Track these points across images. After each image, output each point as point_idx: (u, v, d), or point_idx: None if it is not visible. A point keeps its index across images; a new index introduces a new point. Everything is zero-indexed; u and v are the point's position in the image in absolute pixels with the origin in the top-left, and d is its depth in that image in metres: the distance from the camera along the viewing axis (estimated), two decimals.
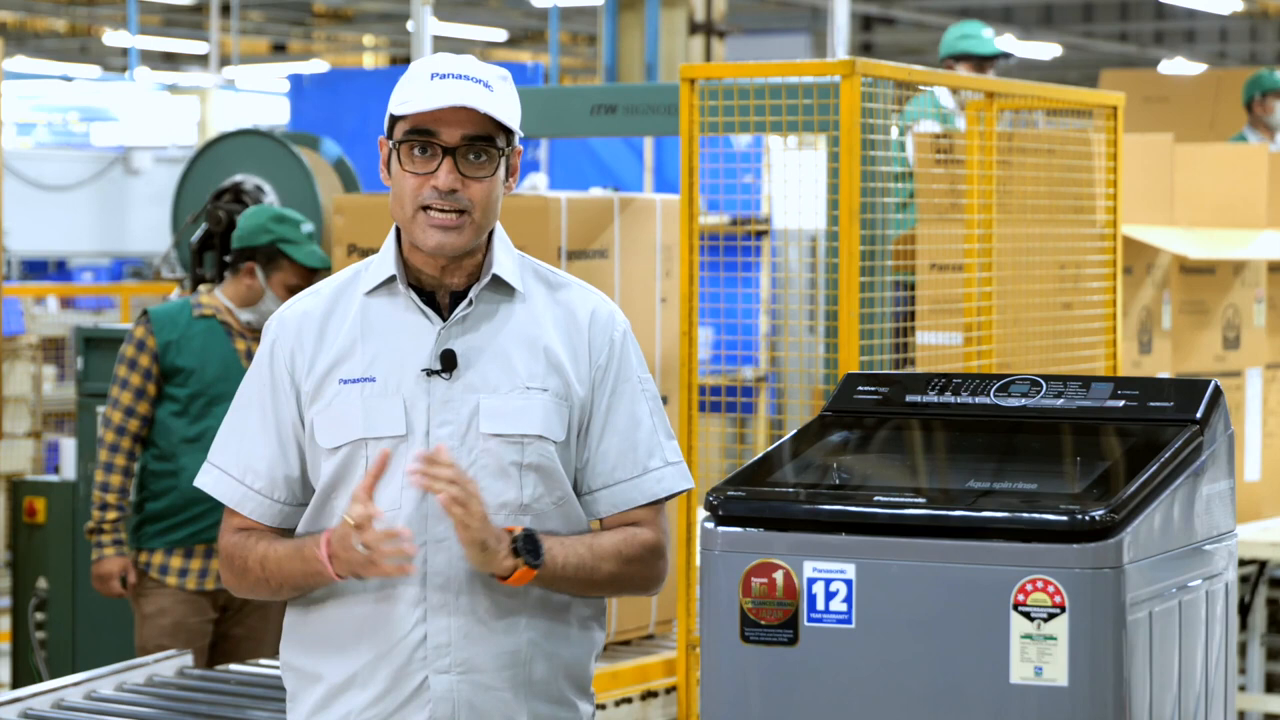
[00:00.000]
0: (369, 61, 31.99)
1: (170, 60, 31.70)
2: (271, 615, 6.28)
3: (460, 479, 3.22)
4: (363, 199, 6.03)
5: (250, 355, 6.18)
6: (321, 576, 3.30)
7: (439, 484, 3.21)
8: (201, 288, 6.38)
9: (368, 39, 31.74)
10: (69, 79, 24.80)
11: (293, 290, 6.17)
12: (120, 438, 6.12)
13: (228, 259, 6.33)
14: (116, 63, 30.69)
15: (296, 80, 13.49)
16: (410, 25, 10.56)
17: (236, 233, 6.24)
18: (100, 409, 6.50)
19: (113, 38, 29.09)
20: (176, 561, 6.12)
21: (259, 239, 6.18)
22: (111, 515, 6.11)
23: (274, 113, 21.64)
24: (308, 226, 6.21)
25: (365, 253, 5.59)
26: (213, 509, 6.05)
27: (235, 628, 6.24)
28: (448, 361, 3.33)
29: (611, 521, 3.42)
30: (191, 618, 6.15)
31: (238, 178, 7.29)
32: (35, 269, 20.27)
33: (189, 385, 6.11)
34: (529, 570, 3.26)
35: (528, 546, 3.27)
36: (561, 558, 3.30)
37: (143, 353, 6.13)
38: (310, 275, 6.14)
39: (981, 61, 8.74)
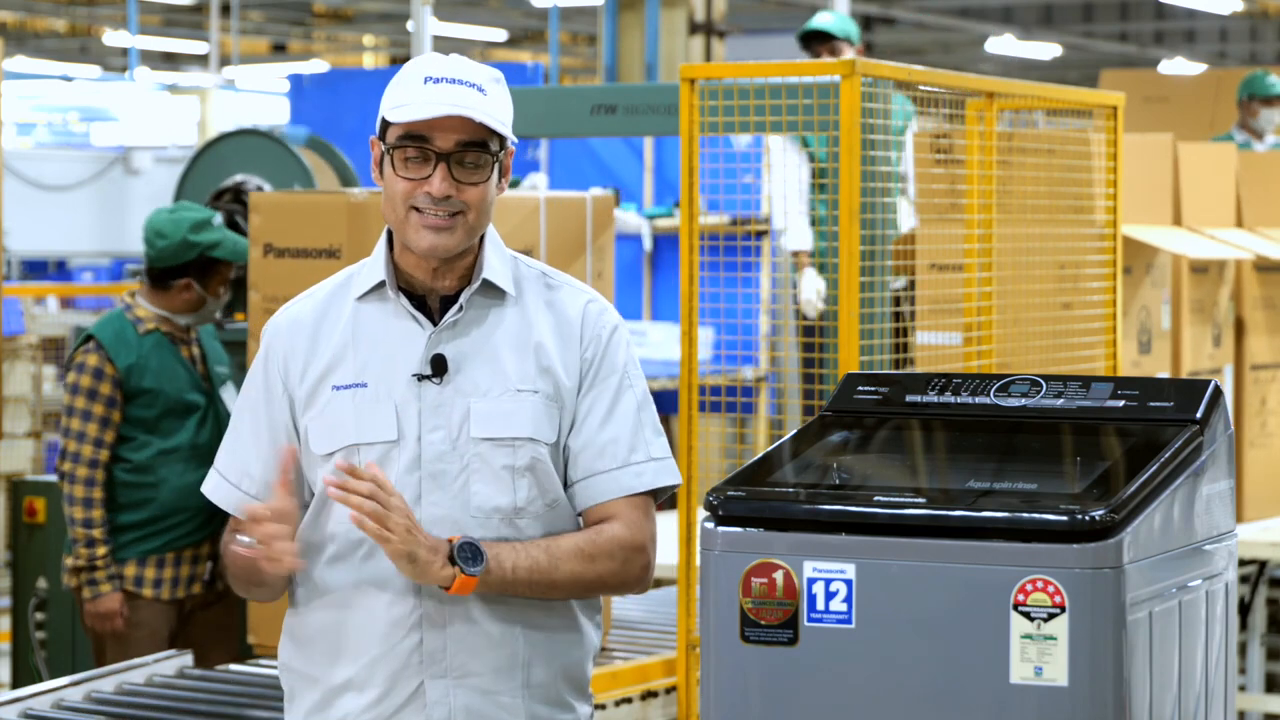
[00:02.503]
0: (369, 61, 32.00)
1: (170, 60, 31.71)
2: (234, 613, 6.24)
3: (378, 493, 3.17)
4: (279, 197, 5.87)
5: (193, 359, 6.14)
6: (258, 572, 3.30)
7: (354, 498, 3.17)
8: (126, 297, 6.19)
9: (368, 39, 31.75)
10: (69, 79, 24.82)
11: (231, 283, 6.17)
12: (94, 470, 5.98)
13: (147, 274, 6.15)
14: (116, 63, 30.70)
15: (296, 80, 13.49)
16: (410, 25, 10.56)
17: (155, 254, 6.08)
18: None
19: (113, 38, 29.11)
20: (150, 572, 6.04)
21: (186, 256, 6.07)
22: (102, 551, 5.97)
23: (274, 113, 21.64)
24: (217, 218, 6.14)
25: (282, 253, 5.53)
26: (191, 517, 6.03)
27: (201, 630, 6.18)
28: (438, 366, 3.32)
29: (590, 514, 3.38)
30: (164, 629, 6.09)
31: (238, 178, 7.29)
32: (35, 269, 20.26)
33: (156, 405, 6.03)
34: (468, 579, 3.23)
35: (464, 554, 3.22)
36: (510, 562, 3.26)
37: (102, 381, 5.99)
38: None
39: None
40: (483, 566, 3.23)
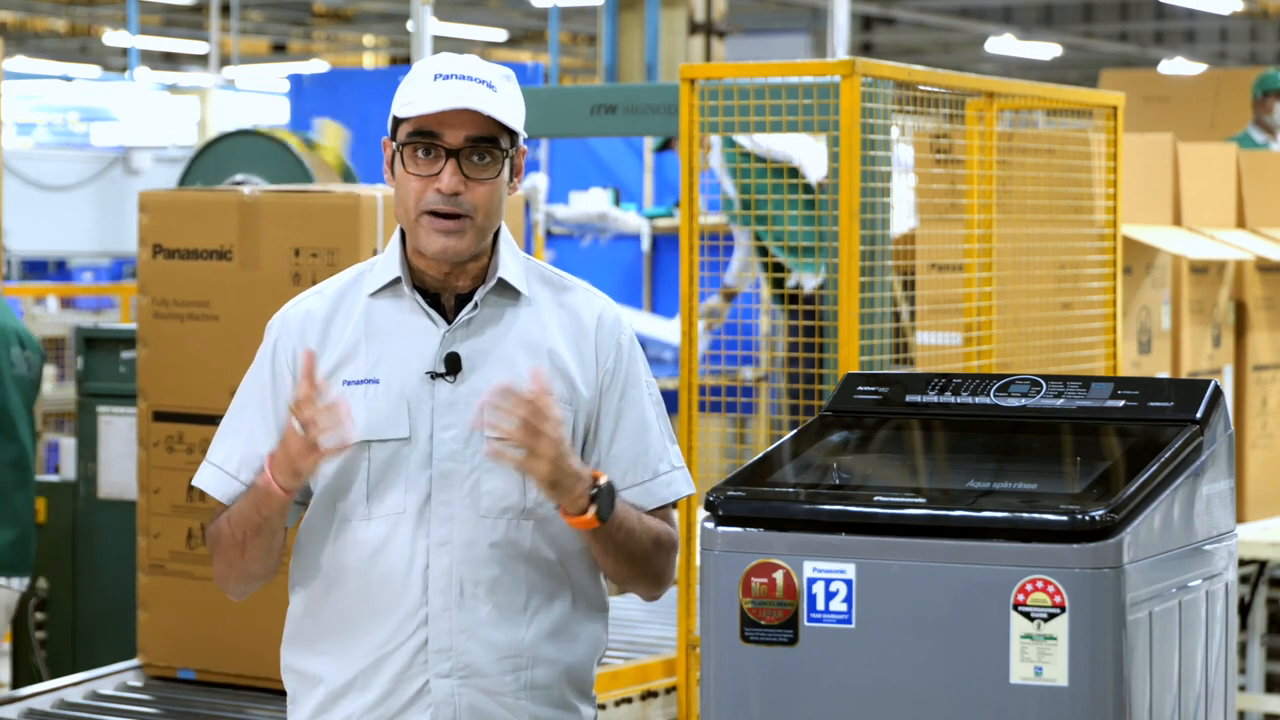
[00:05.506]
0: (369, 61, 32.01)
1: (170, 60, 31.73)
2: None
3: (534, 419, 3.16)
4: (170, 195, 5.57)
5: None
6: (269, 497, 3.26)
7: (506, 424, 3.16)
8: None
9: (368, 39, 31.76)
10: (69, 79, 24.83)
11: None
12: None
13: None
14: (116, 63, 30.72)
15: (296, 80, 13.49)
16: (410, 25, 10.56)
17: None
18: (101, 409, 6.47)
19: (113, 38, 29.12)
20: None
21: None
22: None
23: (274, 113, 21.64)
24: None
25: (171, 254, 5.32)
26: None
27: None
28: (452, 365, 3.32)
29: None
30: None
31: (238, 178, 7.28)
32: (35, 269, 20.26)
33: None
34: (595, 520, 3.24)
35: (606, 499, 3.24)
36: (621, 519, 3.29)
37: None
38: None
39: None
40: (612, 517, 3.26)
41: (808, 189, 7.07)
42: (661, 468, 3.41)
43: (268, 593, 5.05)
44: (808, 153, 7.07)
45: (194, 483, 3.45)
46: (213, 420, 5.13)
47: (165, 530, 5.26)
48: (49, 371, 11.92)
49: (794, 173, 7.10)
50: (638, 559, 3.36)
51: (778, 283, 7.34)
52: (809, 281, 7.12)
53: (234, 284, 5.17)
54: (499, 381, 3.22)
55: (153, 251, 5.33)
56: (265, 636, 5.04)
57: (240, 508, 3.33)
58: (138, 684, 5.36)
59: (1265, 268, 7.70)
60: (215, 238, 5.23)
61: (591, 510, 3.23)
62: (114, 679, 5.34)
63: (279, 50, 32.17)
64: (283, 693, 4.91)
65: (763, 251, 7.41)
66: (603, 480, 3.25)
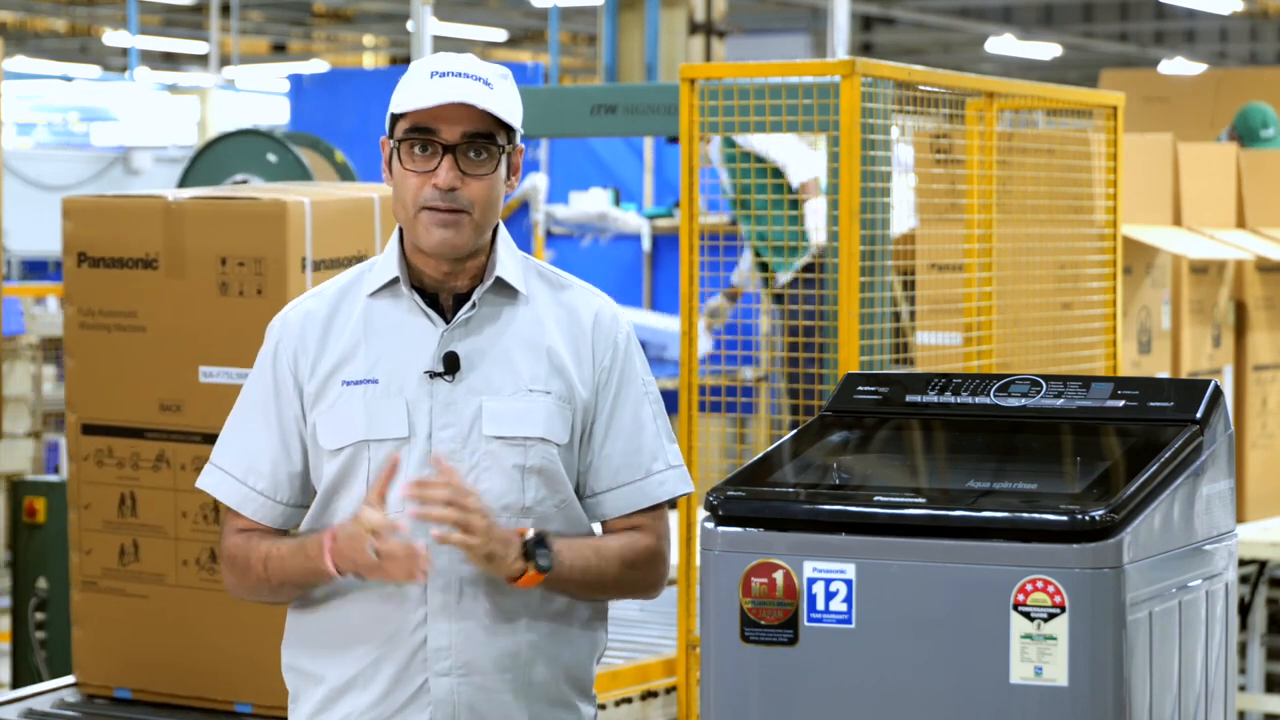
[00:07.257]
0: (369, 61, 32.02)
1: (170, 60, 31.73)
2: None
3: (457, 497, 3.20)
4: (93, 201, 5.23)
5: None
6: (322, 574, 3.29)
7: (436, 511, 3.19)
8: None
9: (368, 39, 31.77)
10: (69, 79, 24.84)
11: None
12: None
13: None
14: (116, 63, 30.72)
15: (296, 80, 13.50)
16: (410, 25, 10.57)
17: None
18: None
19: (113, 38, 29.13)
20: None
21: None
22: None
23: (274, 113, 21.66)
24: None
25: (96, 262, 5.06)
26: None
27: None
28: (450, 364, 3.32)
29: (614, 524, 3.42)
30: None
31: (238, 178, 7.29)
32: (35, 269, 20.25)
33: None
34: (537, 574, 3.26)
35: (538, 549, 3.26)
36: (569, 560, 3.30)
37: None
38: None
39: None
40: (552, 563, 3.26)
41: (791, 190, 7.10)
42: (655, 466, 3.41)
43: (204, 611, 4.96)
44: (792, 155, 7.09)
45: (199, 485, 3.46)
46: (142, 433, 5.03)
47: (97, 546, 5.09)
48: (49, 371, 11.92)
49: (779, 173, 7.13)
50: (607, 586, 3.38)
51: (766, 281, 7.37)
52: (781, 278, 7.16)
53: (160, 293, 4.99)
54: (435, 455, 3.25)
55: (77, 260, 5.09)
56: (202, 655, 4.95)
57: (286, 564, 3.33)
58: (72, 702, 5.25)
59: (1265, 268, 7.71)
60: (140, 245, 5.01)
61: (530, 567, 3.25)
62: (49, 697, 5.26)
63: (279, 50, 32.17)
64: (220, 711, 4.90)
65: (756, 249, 7.44)
66: (530, 534, 3.26)
